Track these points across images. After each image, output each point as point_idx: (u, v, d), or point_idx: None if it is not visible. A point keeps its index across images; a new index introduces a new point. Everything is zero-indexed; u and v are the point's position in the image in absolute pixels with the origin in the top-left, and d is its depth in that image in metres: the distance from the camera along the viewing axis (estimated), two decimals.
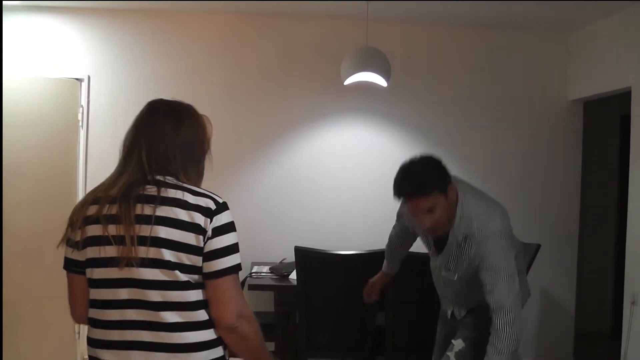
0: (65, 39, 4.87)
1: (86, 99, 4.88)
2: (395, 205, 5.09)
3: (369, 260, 3.89)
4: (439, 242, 2.92)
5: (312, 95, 5.09)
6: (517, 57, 5.27)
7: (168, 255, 1.83)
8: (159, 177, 1.94)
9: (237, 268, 1.97)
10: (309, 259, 3.84)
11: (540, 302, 5.25)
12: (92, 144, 4.91)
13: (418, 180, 2.70)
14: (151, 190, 1.90)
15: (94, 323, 1.99)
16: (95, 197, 1.95)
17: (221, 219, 1.98)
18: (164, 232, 1.83)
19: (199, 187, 2.08)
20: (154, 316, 1.85)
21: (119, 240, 1.85)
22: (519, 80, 5.26)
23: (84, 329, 4.84)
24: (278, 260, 4.69)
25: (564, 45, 5.27)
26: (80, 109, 4.88)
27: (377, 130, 5.14)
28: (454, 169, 5.17)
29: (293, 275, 4.16)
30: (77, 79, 4.87)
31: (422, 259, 3.91)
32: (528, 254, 4.26)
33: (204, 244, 1.88)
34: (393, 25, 5.09)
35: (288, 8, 4.87)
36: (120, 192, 1.90)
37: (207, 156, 2.20)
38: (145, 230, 1.83)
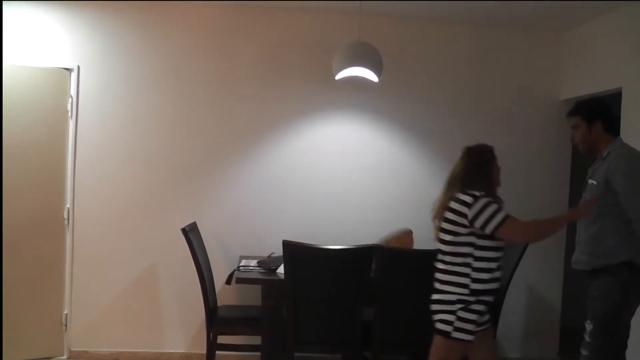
0: (55, 29, 4.84)
1: (75, 89, 4.85)
2: (384, 202, 5.14)
3: (357, 255, 3.91)
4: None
5: (304, 90, 5.08)
6: (509, 56, 5.28)
7: None
8: None
9: None
10: (297, 254, 3.84)
11: (527, 298, 5.28)
12: (81, 134, 4.88)
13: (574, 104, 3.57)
14: None
15: None
16: None
17: None
18: None
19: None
20: None
21: None
22: (511, 79, 5.27)
23: (71, 319, 4.87)
24: (266, 254, 4.70)
25: (556, 45, 5.28)
26: (70, 99, 4.85)
27: (367, 126, 5.14)
28: (445, 165, 5.23)
29: (281, 270, 4.15)
30: (66, 68, 4.84)
31: (412, 255, 3.95)
32: (515, 251, 4.29)
33: None
34: (385, 21, 5.08)
35: (281, 2, 4.86)
36: None
37: None
38: None
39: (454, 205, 3.21)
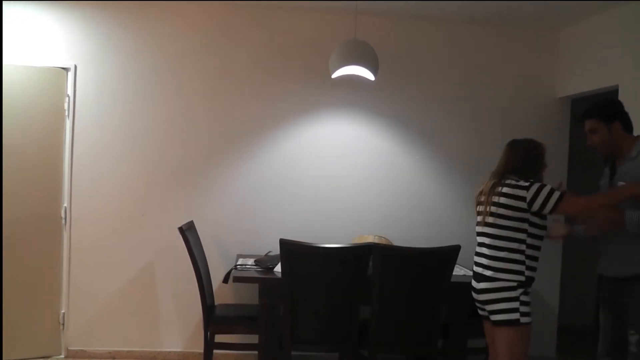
0: (52, 28, 4.83)
1: (72, 88, 4.85)
2: (381, 201, 5.14)
3: (355, 254, 3.90)
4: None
5: (300, 89, 5.08)
6: (505, 54, 5.28)
7: None
8: None
9: None
10: (294, 252, 3.84)
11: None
12: (78, 133, 4.88)
13: (588, 106, 3.43)
14: None
15: None
16: None
17: None
18: None
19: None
20: None
21: None
22: (508, 77, 5.28)
23: (68, 318, 4.86)
24: (263, 253, 4.70)
25: (553, 43, 5.29)
26: (67, 98, 4.84)
27: (364, 124, 5.14)
28: (441, 163, 5.25)
29: (278, 268, 4.15)
30: (63, 68, 4.83)
31: (408, 253, 3.95)
32: None
33: None
34: (382, 20, 5.08)
35: (277, 1, 4.86)
36: None
37: None
38: None
39: (508, 190, 3.32)
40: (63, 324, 4.90)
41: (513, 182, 3.34)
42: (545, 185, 3.30)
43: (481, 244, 3.47)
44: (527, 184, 3.30)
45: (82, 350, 4.92)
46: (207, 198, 5.02)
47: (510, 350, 3.32)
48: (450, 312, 4.20)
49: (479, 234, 3.51)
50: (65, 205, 4.87)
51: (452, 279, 3.97)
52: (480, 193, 3.53)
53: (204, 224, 4.91)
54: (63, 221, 4.87)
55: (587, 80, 4.84)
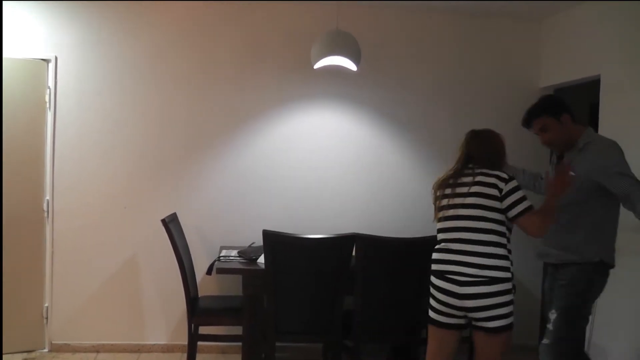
0: (31, 19, 4.78)
1: (53, 80, 4.81)
2: (365, 191, 5.15)
3: (337, 244, 3.90)
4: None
5: (282, 79, 5.07)
6: (488, 44, 5.29)
7: None
8: None
9: None
10: (278, 243, 3.84)
11: None
12: (60, 125, 4.84)
13: (529, 109, 3.55)
14: None
15: None
16: None
17: None
18: None
19: None
20: None
21: None
22: (490, 67, 5.29)
23: (52, 312, 4.83)
24: (247, 244, 4.69)
25: (535, 33, 5.30)
26: (48, 90, 4.80)
27: (347, 114, 5.13)
28: (423, 152, 5.25)
29: (261, 259, 4.15)
30: (43, 59, 4.79)
31: (391, 243, 3.95)
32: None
33: None
34: (364, 10, 5.07)
35: None
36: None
37: None
38: None
39: (484, 179, 3.12)
40: (47, 318, 4.88)
41: (492, 171, 3.14)
42: (520, 187, 3.12)
43: (458, 240, 3.11)
44: (506, 176, 3.11)
45: (66, 344, 4.90)
46: (189, 190, 5.00)
47: (500, 352, 3.12)
48: None
49: (452, 229, 3.15)
50: (47, 198, 4.84)
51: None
52: (443, 185, 3.24)
53: (187, 216, 4.89)
54: (45, 214, 4.84)
55: (569, 70, 4.87)
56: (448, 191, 3.21)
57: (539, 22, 5.27)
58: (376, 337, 4.10)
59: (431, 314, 3.24)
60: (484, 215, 3.09)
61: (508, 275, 3.06)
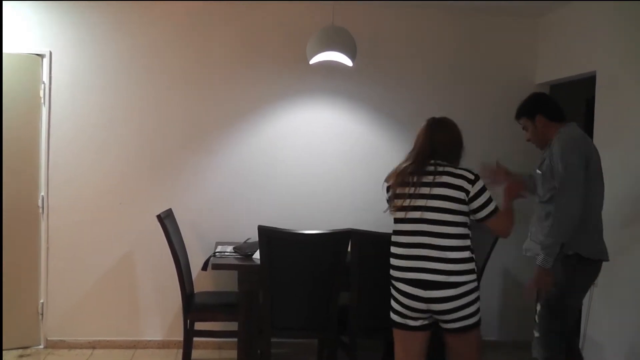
0: (25, 13, 4.76)
1: (48, 76, 4.79)
2: (359, 187, 5.14)
3: (333, 240, 3.90)
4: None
5: (278, 75, 5.06)
6: (484, 40, 5.29)
7: None
8: None
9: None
10: (273, 239, 3.83)
11: (503, 281, 5.34)
12: (54, 121, 4.83)
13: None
14: None
15: None
16: None
17: None
18: None
19: None
20: None
21: None
22: (487, 63, 5.29)
23: (47, 309, 4.82)
24: (242, 240, 4.69)
25: (532, 30, 5.30)
26: (42, 85, 4.78)
27: (342, 110, 5.13)
28: None
29: (257, 255, 4.15)
30: (38, 54, 4.77)
31: (387, 239, 3.94)
32: (489, 235, 4.30)
33: None
34: (360, 7, 5.05)
35: None
36: None
37: None
38: None
39: (450, 179, 2.97)
40: (42, 314, 4.87)
41: (457, 170, 3.00)
42: (487, 188, 3.02)
43: (421, 245, 2.98)
44: (472, 176, 2.97)
45: (61, 340, 4.90)
46: (185, 186, 5.00)
47: (477, 350, 3.08)
48: None
49: (415, 232, 3.00)
50: (42, 194, 4.82)
51: None
52: (401, 181, 3.08)
53: (182, 211, 4.89)
54: (40, 210, 4.83)
55: (565, 67, 4.87)
56: (408, 190, 3.03)
57: (535, 19, 5.27)
58: (372, 333, 4.10)
59: (394, 317, 3.13)
60: (450, 219, 2.96)
61: (474, 276, 2.99)
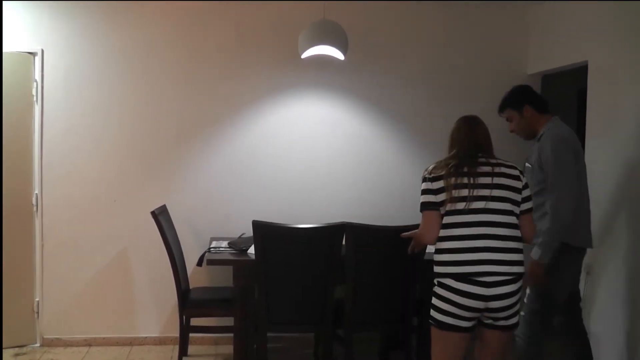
0: (17, 11, 4.74)
1: (40, 74, 4.77)
2: (353, 181, 5.15)
3: (327, 234, 3.90)
4: None
5: (270, 70, 5.05)
6: (475, 31, 5.29)
7: None
8: None
9: None
10: (267, 233, 3.83)
11: None
12: (47, 119, 4.82)
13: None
14: None
15: None
16: None
17: None
18: None
19: None
20: None
21: None
22: (478, 54, 5.29)
23: (43, 307, 4.81)
24: (237, 235, 4.68)
25: (523, 20, 5.30)
26: (34, 83, 4.77)
27: (335, 104, 5.13)
28: (412, 140, 5.24)
29: (252, 250, 4.14)
30: (30, 52, 4.75)
31: (381, 232, 3.95)
32: None
33: None
34: (351, 2, 5.04)
35: None
36: None
37: None
38: None
39: (509, 171, 3.00)
40: (38, 313, 4.87)
41: (504, 161, 3.04)
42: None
43: (485, 236, 2.88)
44: (518, 171, 3.03)
45: (57, 338, 4.90)
46: (179, 182, 4.99)
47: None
48: (424, 290, 4.21)
49: (478, 223, 2.89)
50: (36, 192, 4.81)
51: (425, 257, 3.98)
52: (456, 172, 2.97)
53: (176, 208, 4.88)
54: (34, 208, 4.82)
55: (556, 57, 4.86)
56: (467, 180, 2.95)
57: (525, 9, 5.27)
58: (368, 326, 4.11)
59: (444, 318, 2.93)
60: (511, 209, 2.94)
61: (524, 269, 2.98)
